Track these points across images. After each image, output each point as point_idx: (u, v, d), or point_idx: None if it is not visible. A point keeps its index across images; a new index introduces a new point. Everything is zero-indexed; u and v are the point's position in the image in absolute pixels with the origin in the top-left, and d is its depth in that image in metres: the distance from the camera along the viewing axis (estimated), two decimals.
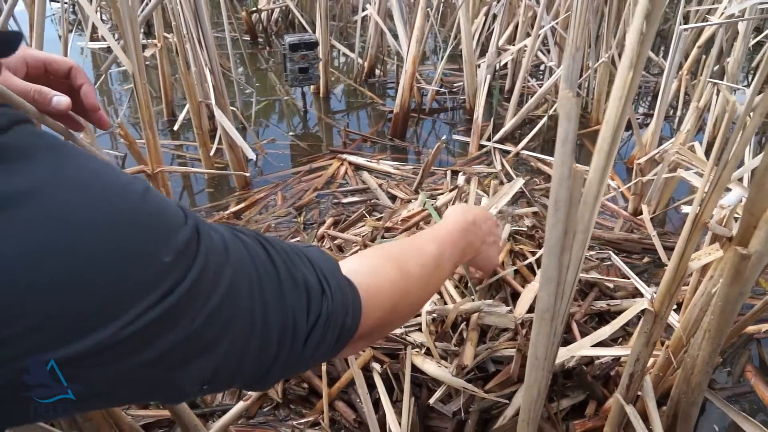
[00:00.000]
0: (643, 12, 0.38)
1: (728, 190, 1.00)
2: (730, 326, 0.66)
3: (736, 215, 0.77)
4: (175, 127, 2.04)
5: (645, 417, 0.88)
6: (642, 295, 1.20)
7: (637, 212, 1.62)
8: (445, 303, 1.09)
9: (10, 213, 0.27)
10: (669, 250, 1.43)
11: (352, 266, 0.55)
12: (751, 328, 1.22)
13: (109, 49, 2.99)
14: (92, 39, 3.01)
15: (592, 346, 1.01)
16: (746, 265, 0.54)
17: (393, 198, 1.61)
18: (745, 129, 0.59)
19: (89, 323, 0.30)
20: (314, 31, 2.46)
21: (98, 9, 2.99)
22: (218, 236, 0.39)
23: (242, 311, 0.39)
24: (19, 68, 0.58)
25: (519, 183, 1.31)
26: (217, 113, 1.49)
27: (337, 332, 0.48)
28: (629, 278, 1.22)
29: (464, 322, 1.05)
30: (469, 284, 1.09)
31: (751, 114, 0.59)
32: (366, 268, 0.56)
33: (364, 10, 2.67)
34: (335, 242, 1.30)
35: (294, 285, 0.45)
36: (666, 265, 1.25)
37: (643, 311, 0.76)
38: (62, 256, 0.29)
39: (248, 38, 3.34)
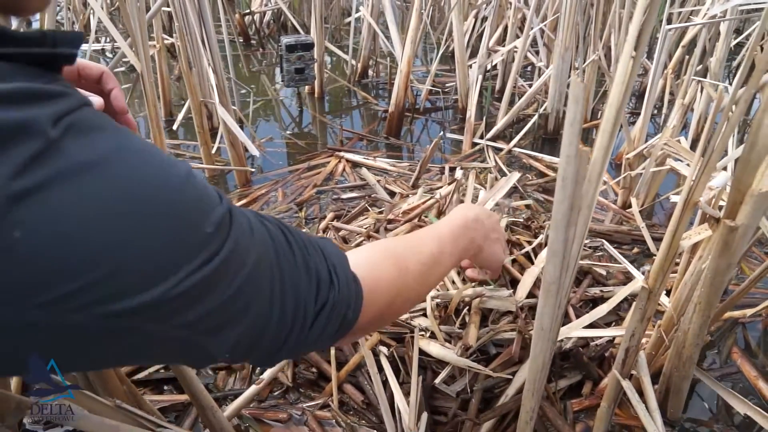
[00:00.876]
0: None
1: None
2: (719, 298, 0.71)
3: (721, 203, 0.83)
4: (175, 126, 2.07)
5: (640, 393, 0.94)
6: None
7: (626, 205, 1.68)
8: (448, 289, 1.14)
9: (86, 177, 0.32)
10: (657, 240, 1.49)
11: (355, 261, 0.58)
12: (736, 313, 1.28)
13: (102, 51, 3.02)
14: (84, 41, 3.03)
15: (587, 327, 1.07)
16: (734, 237, 0.60)
17: (392, 194, 1.66)
18: (730, 118, 0.65)
19: (147, 280, 0.34)
20: (306, 33, 2.51)
21: (92, 12, 3.01)
22: (245, 220, 0.44)
23: (264, 288, 0.44)
24: None
25: (515, 177, 1.37)
26: (221, 110, 1.53)
27: (338, 322, 0.52)
28: (621, 264, 1.28)
29: (466, 307, 1.10)
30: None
31: (734, 107, 0.65)
32: (368, 264, 0.60)
33: (357, 12, 2.72)
34: (340, 233, 1.34)
35: (307, 272, 0.49)
36: (655, 255, 1.31)
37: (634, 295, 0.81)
38: (127, 219, 0.33)
39: (241, 40, 3.37)
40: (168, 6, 1.57)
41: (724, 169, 1.17)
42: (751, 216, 0.59)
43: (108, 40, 3.13)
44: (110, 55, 3.07)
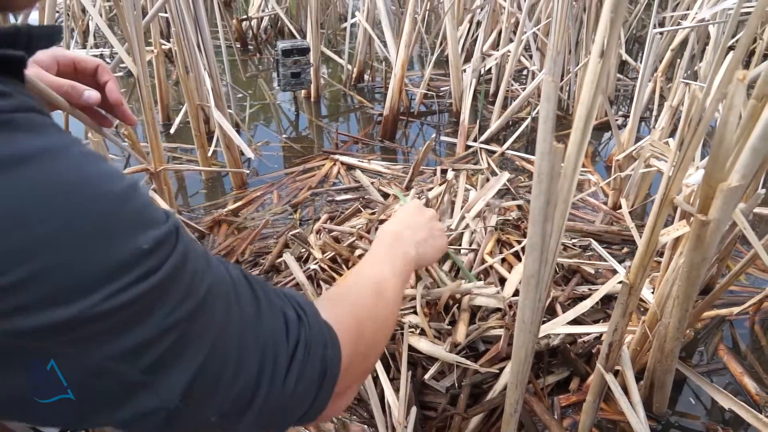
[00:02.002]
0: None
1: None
2: (696, 291, 0.73)
3: None
4: (172, 130, 2.10)
5: (625, 388, 0.96)
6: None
7: (617, 206, 1.70)
8: (438, 286, 1.16)
9: (7, 173, 0.29)
10: None
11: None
12: (723, 311, 1.31)
13: (101, 56, 3.05)
14: (83, 46, 3.06)
15: (575, 325, 1.09)
16: (706, 231, 0.62)
17: (385, 195, 1.69)
18: (703, 116, 0.67)
19: (63, 294, 0.30)
20: (303, 39, 2.54)
21: (91, 18, 3.04)
22: (201, 249, 0.40)
23: (217, 321, 0.39)
24: (51, 66, 0.65)
25: (505, 177, 1.39)
26: (216, 114, 1.55)
27: (318, 364, 0.47)
28: (608, 262, 1.30)
29: (456, 305, 1.12)
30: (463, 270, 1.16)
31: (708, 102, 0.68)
32: (322, 304, 0.56)
33: (353, 17, 2.76)
34: (331, 234, 1.36)
35: (271, 309, 0.45)
36: None
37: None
38: (52, 220, 0.30)
39: (238, 45, 3.40)
40: (165, 12, 1.60)
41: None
42: (721, 210, 0.61)
43: (106, 45, 3.16)
44: (108, 60, 3.10)
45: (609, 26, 0.50)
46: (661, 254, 0.97)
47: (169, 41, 2.81)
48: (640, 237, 1.50)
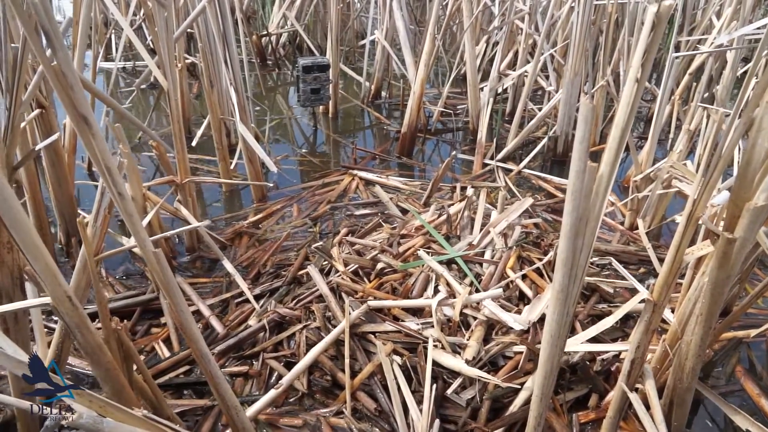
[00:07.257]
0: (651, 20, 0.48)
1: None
2: (720, 309, 0.75)
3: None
4: (194, 143, 2.13)
5: (646, 405, 0.96)
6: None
7: (634, 227, 1.71)
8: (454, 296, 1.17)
9: None
10: (663, 261, 1.52)
11: None
12: (740, 333, 1.31)
13: (124, 69, 3.11)
14: (107, 59, 3.12)
15: (594, 342, 1.10)
16: (732, 248, 0.64)
17: (404, 211, 1.71)
18: (730, 140, 0.69)
19: None
20: (321, 55, 2.59)
21: (113, 31, 3.10)
22: None
23: None
24: None
25: (528, 202, 1.42)
26: (241, 128, 1.59)
27: None
28: (627, 281, 1.31)
29: (475, 320, 1.14)
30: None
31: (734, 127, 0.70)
32: None
33: (371, 34, 2.80)
34: (354, 248, 1.39)
35: None
36: None
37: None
38: None
39: (258, 60, 3.46)
40: (192, 28, 1.64)
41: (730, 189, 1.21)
42: (748, 229, 0.63)
43: (128, 58, 3.22)
44: (127, 73, 3.15)
45: (644, 55, 0.53)
46: (682, 276, 0.99)
47: (191, 56, 2.86)
48: (657, 258, 1.52)
